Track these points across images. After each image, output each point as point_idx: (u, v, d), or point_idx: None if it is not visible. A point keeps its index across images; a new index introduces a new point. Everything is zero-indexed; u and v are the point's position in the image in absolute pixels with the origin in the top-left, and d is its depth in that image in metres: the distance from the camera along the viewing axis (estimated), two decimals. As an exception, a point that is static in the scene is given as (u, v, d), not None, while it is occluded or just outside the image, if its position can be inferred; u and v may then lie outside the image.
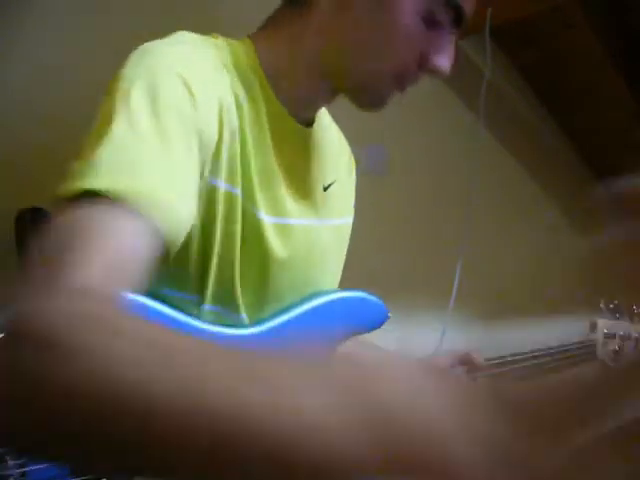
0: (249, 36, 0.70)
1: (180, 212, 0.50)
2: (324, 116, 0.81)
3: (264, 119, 0.67)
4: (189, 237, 0.57)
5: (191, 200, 0.53)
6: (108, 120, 0.50)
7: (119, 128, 0.49)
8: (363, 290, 0.79)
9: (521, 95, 2.25)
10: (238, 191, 0.64)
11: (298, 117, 0.71)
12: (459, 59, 0.70)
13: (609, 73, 2.09)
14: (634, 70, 2.12)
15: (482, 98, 1.72)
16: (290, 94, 0.69)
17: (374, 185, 1.67)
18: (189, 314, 0.65)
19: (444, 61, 0.65)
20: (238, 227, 0.65)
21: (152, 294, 0.62)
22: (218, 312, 0.67)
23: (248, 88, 0.66)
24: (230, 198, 0.63)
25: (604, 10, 2.00)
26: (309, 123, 0.74)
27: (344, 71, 0.67)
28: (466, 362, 0.83)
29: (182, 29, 0.64)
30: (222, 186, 0.62)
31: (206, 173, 0.60)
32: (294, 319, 0.70)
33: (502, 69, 2.06)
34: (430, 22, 0.63)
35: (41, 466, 0.55)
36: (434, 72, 0.66)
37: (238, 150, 0.63)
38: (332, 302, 0.73)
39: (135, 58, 0.58)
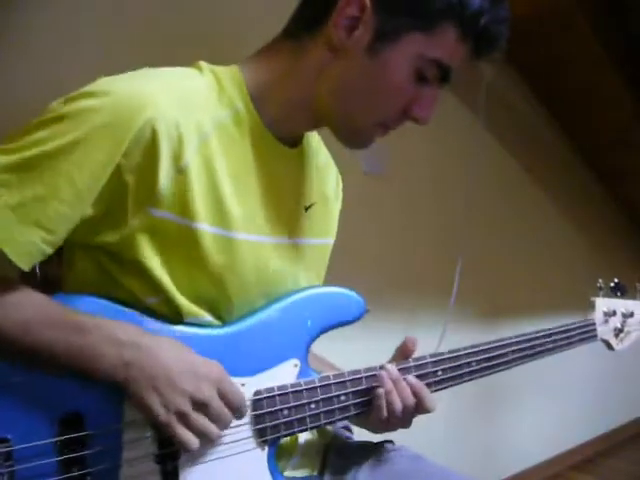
0: (236, 64, 0.72)
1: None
2: (312, 138, 0.82)
3: (248, 141, 0.70)
4: (138, 247, 0.63)
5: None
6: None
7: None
8: (359, 290, 0.78)
9: (521, 95, 2.25)
10: (178, 218, 0.64)
11: (283, 139, 0.74)
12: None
13: (609, 73, 2.08)
14: (634, 70, 2.12)
15: (481, 98, 1.72)
16: (276, 119, 0.71)
17: (374, 185, 1.67)
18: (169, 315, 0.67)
19: (426, 113, 0.70)
20: (188, 246, 0.65)
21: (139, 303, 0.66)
22: (191, 312, 0.67)
23: (234, 112, 0.69)
24: (169, 223, 0.64)
25: (604, 10, 2.00)
26: (294, 144, 0.77)
27: (333, 111, 0.70)
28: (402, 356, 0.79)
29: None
30: (159, 214, 0.63)
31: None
32: (267, 318, 0.71)
33: (501, 69, 2.06)
34: (419, 78, 0.67)
35: (29, 464, 0.55)
36: (415, 121, 0.71)
37: (190, 183, 0.64)
38: (307, 298, 0.74)
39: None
